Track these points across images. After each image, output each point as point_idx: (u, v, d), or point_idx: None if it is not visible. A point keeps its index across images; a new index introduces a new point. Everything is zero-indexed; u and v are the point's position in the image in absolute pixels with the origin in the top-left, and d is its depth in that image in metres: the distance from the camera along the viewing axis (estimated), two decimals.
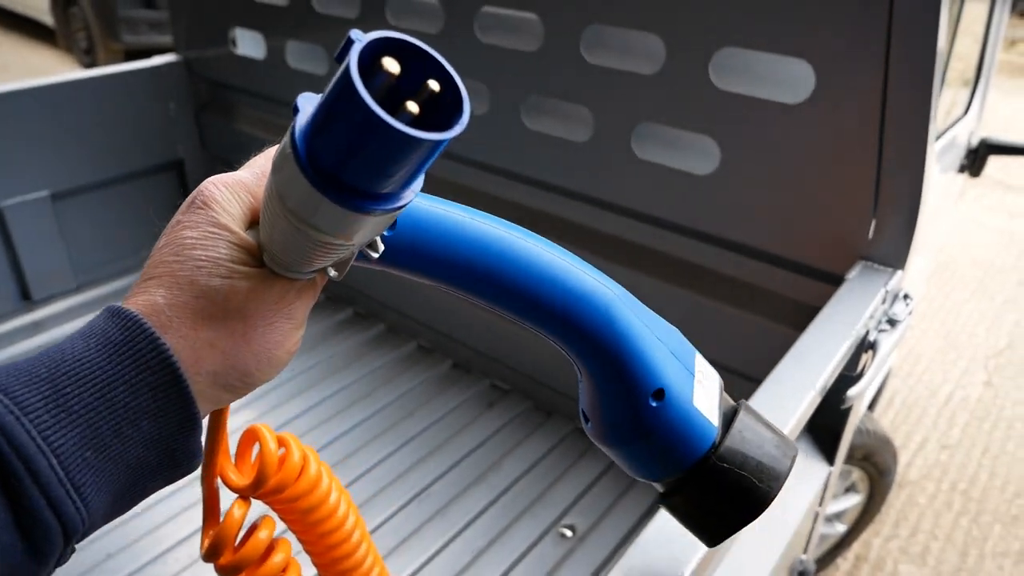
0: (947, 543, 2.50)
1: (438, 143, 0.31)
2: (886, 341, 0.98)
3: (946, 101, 1.91)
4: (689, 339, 0.52)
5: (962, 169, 2.14)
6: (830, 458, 1.15)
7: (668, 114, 1.25)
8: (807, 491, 1.09)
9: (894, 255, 1.05)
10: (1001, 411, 3.11)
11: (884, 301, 1.01)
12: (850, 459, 1.90)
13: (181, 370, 0.41)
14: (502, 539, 1.39)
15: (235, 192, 0.45)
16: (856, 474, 2.02)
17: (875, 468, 1.99)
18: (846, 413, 1.07)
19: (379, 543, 1.38)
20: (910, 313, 1.04)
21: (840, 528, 2.18)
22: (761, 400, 0.80)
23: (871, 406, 2.24)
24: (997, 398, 3.18)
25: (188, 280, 0.42)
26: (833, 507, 2.08)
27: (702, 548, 0.62)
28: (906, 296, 1.07)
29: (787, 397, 0.80)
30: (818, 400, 0.84)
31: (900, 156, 1.00)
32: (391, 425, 1.67)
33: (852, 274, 1.04)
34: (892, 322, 1.02)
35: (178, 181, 2.26)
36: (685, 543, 0.63)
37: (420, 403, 1.73)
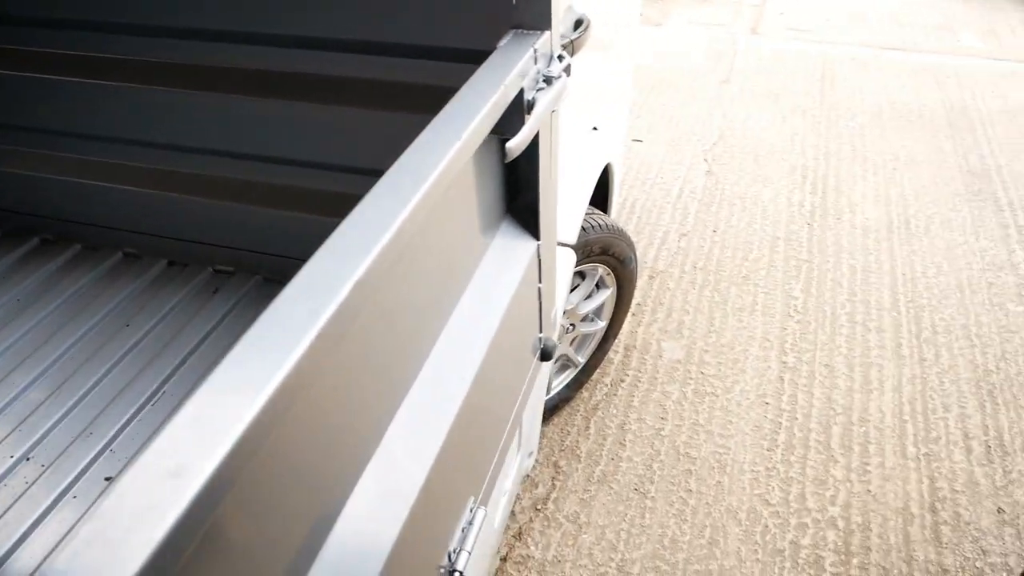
0: (696, 314, 2.81)
1: None
2: (543, 98, 1.00)
3: None
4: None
5: None
6: (535, 234, 1.19)
7: None
8: (515, 266, 1.11)
9: (540, 17, 1.05)
10: (723, 193, 3.49)
11: (536, 61, 1.02)
12: (591, 255, 2.02)
13: None
14: None
15: None
16: (601, 269, 2.17)
17: (616, 259, 2.14)
18: (532, 182, 1.09)
19: (119, 455, 1.26)
20: (565, 70, 1.06)
21: (601, 324, 2.36)
22: (411, 157, 0.77)
23: (604, 208, 2.38)
24: (718, 184, 3.56)
25: None
26: (590, 305, 2.23)
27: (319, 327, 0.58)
28: (560, 57, 1.09)
29: (433, 151, 0.78)
30: (468, 151, 0.83)
31: None
32: (106, 341, 1.49)
33: (503, 42, 1.04)
34: (548, 80, 1.03)
35: None
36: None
37: (136, 310, 1.56)
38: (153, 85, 1.45)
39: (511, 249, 1.13)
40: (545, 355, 1.34)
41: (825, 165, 3.66)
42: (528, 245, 1.16)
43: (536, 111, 0.96)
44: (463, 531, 0.98)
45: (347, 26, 1.20)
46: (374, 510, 0.77)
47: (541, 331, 1.31)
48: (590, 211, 2.01)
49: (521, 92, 0.97)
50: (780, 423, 2.39)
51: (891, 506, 2.16)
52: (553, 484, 2.21)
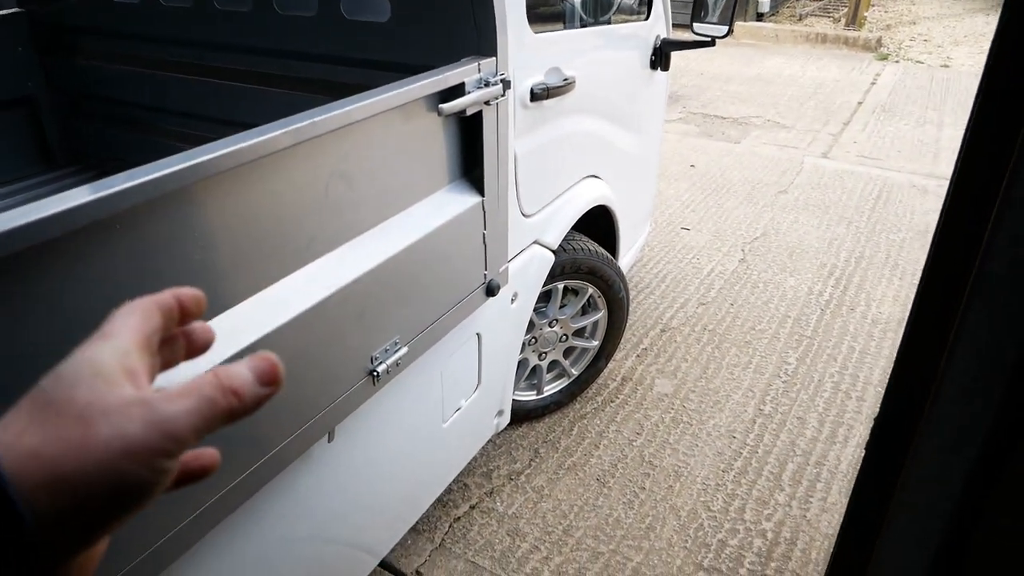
0: (694, 363, 3.19)
1: None
2: (477, 91, 1.59)
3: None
4: None
5: (653, 65, 2.83)
6: (480, 192, 1.75)
7: None
8: (455, 207, 1.67)
9: (490, 48, 1.67)
10: (749, 277, 3.88)
11: (479, 71, 1.62)
12: (580, 271, 2.52)
13: None
14: None
15: None
16: (591, 290, 2.66)
17: (603, 282, 2.63)
18: (479, 156, 1.66)
19: None
20: (501, 80, 1.65)
21: (595, 343, 2.82)
22: (361, 97, 1.37)
23: (613, 253, 2.88)
24: (748, 269, 3.96)
25: None
26: (582, 321, 2.71)
27: None
28: (503, 74, 1.69)
29: (384, 98, 1.38)
30: (402, 100, 1.42)
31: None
32: None
33: (466, 59, 1.66)
34: (487, 83, 1.63)
35: (29, 114, 2.68)
36: None
37: None
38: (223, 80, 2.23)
39: (457, 197, 1.70)
40: (489, 291, 1.86)
41: (854, 267, 3.98)
42: (471, 199, 1.73)
43: (469, 96, 1.56)
44: (386, 350, 1.51)
45: (355, 47, 1.88)
46: (303, 291, 1.32)
47: (486, 269, 1.84)
48: (582, 238, 2.54)
49: (463, 84, 1.57)
50: (741, 453, 2.70)
51: (822, 531, 2.41)
52: (530, 464, 2.64)
